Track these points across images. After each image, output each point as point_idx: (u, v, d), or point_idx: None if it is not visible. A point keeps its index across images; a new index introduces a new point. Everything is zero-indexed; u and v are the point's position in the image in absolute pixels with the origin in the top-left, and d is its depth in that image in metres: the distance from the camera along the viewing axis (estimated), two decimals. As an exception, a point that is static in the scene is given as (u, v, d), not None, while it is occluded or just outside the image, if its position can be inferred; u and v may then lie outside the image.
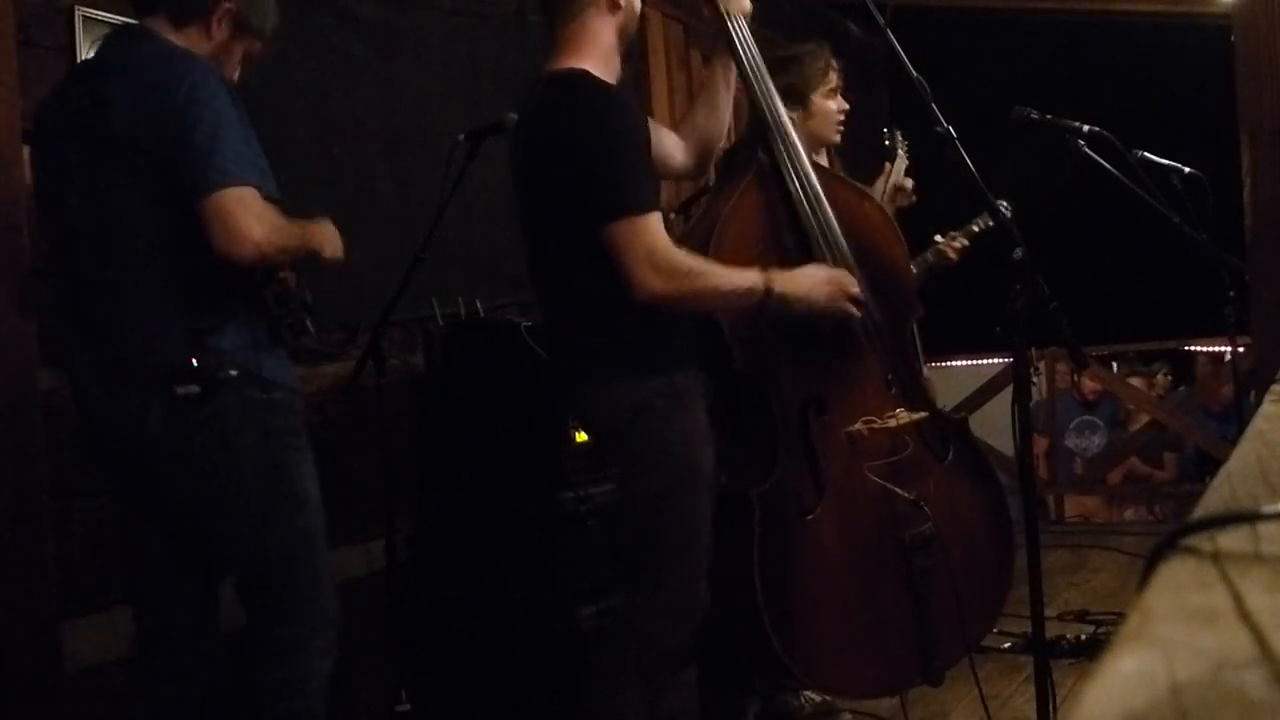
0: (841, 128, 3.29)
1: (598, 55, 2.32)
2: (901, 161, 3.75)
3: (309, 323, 2.31)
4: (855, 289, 2.45)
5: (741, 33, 2.57)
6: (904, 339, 2.78)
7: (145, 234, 2.15)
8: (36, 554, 2.66)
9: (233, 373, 2.16)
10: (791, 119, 3.15)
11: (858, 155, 3.58)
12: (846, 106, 3.30)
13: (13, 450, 2.61)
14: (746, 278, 2.29)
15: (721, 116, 2.63)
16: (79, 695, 2.74)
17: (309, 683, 2.26)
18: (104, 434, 2.26)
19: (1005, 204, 3.67)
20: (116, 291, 2.19)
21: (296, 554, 2.26)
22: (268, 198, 2.16)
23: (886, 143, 3.77)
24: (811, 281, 2.38)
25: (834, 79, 3.24)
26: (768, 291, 2.28)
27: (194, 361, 2.13)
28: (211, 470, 2.20)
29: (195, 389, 2.13)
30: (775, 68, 3.15)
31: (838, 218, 2.57)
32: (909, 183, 3.78)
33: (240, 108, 2.19)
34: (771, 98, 2.59)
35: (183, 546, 2.33)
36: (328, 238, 2.34)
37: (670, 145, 2.58)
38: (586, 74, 2.28)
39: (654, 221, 2.20)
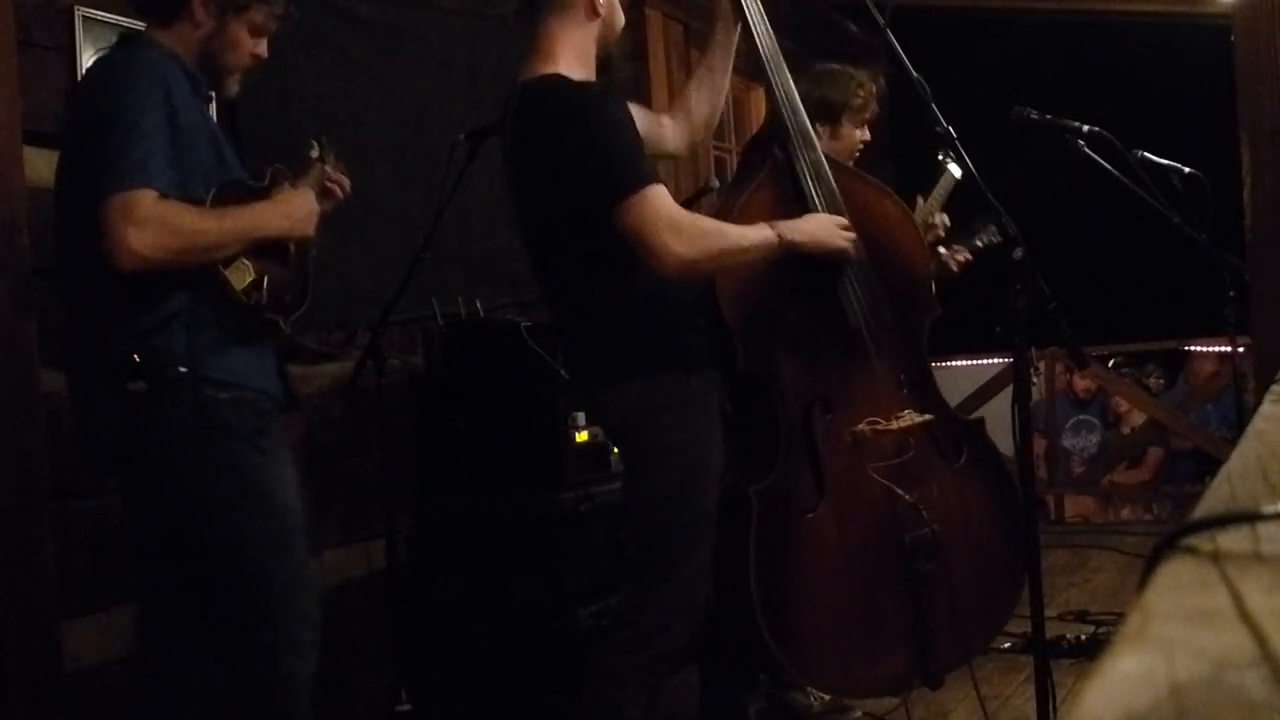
0: (857, 155, 3.25)
1: (571, 57, 2.30)
2: (942, 193, 3.41)
3: (281, 323, 2.25)
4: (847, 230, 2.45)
5: (756, 14, 2.54)
6: (919, 339, 2.75)
7: (93, 234, 2.12)
8: (36, 554, 2.66)
9: (181, 370, 2.12)
10: (818, 133, 3.11)
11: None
12: (868, 138, 3.30)
13: (13, 450, 2.61)
14: (759, 231, 2.31)
15: (717, 94, 2.61)
16: (79, 695, 2.74)
17: (288, 683, 2.25)
18: (86, 433, 2.28)
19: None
20: (78, 290, 2.23)
21: (270, 556, 2.23)
22: (188, 197, 2.10)
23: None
24: (815, 224, 2.42)
25: (871, 110, 3.24)
26: (780, 241, 2.31)
27: (136, 357, 2.11)
28: (169, 468, 2.19)
29: (143, 385, 2.11)
30: (818, 78, 3.17)
31: (852, 215, 2.54)
32: (942, 219, 3.51)
33: (183, 101, 2.13)
34: (786, 86, 2.56)
35: (172, 544, 2.33)
36: (276, 217, 2.24)
37: (661, 126, 2.57)
38: (558, 77, 2.26)
39: (663, 191, 2.20)
